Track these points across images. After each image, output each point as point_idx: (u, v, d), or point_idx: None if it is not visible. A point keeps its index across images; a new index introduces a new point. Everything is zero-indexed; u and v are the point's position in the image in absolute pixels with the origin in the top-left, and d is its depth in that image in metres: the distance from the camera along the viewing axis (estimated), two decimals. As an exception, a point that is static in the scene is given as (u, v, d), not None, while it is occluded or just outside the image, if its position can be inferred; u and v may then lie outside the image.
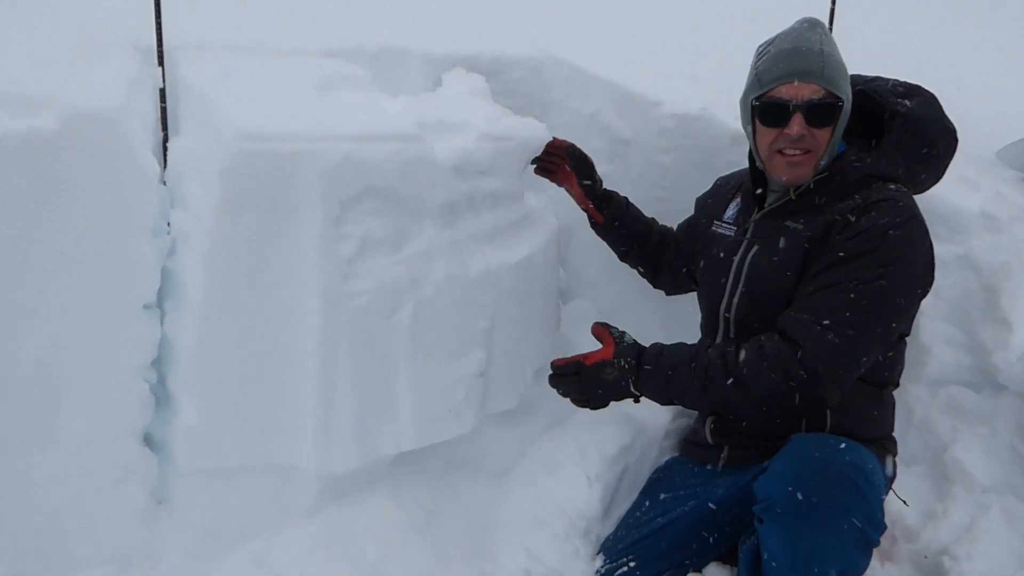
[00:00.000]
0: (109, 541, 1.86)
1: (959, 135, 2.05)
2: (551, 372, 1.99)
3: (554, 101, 2.84)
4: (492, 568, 2.00)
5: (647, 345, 1.97)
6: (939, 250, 1.97)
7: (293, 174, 1.78)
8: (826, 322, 1.80)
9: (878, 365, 1.94)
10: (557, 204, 2.56)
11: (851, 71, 1.98)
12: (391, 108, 2.06)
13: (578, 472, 2.18)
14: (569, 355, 2.02)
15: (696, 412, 2.24)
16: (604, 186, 2.44)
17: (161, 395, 1.92)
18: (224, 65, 2.03)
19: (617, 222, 2.42)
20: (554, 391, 2.03)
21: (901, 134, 2.00)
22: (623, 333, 1.99)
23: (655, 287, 2.54)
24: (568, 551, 2.06)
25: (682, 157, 2.69)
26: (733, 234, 2.14)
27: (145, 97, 1.92)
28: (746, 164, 2.17)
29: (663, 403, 1.98)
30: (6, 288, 1.70)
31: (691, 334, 2.25)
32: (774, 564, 1.78)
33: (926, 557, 2.26)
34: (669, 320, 2.64)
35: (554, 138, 2.31)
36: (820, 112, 1.89)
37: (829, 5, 2.43)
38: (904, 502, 2.17)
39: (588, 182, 2.36)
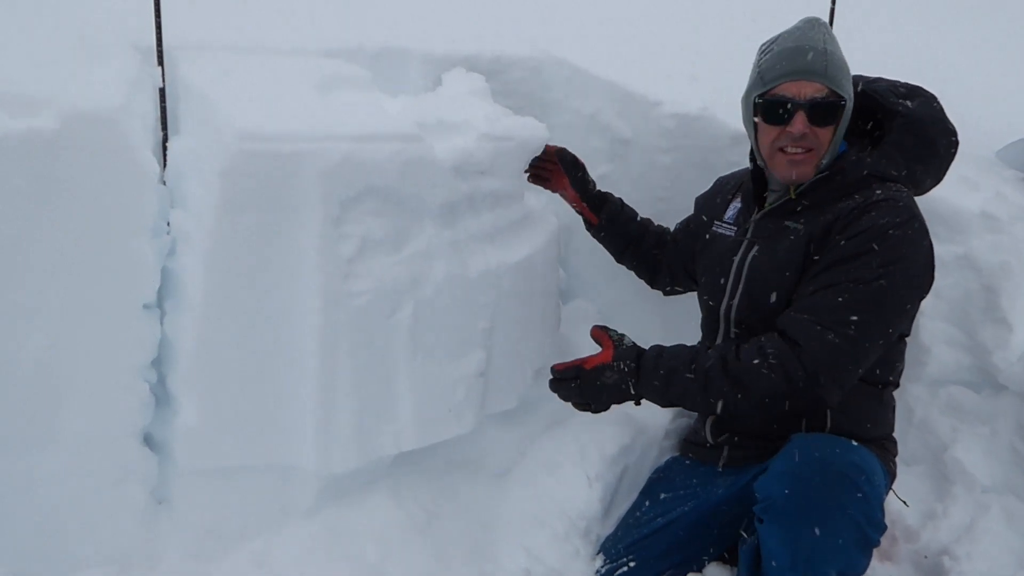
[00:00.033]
0: (109, 541, 1.86)
1: (959, 136, 2.05)
2: (551, 377, 1.98)
3: (554, 101, 2.84)
4: (492, 568, 2.00)
5: (647, 347, 1.97)
6: (939, 250, 1.97)
7: (293, 174, 1.78)
8: (826, 322, 1.80)
9: (878, 365, 1.94)
10: (557, 204, 2.56)
11: (852, 71, 1.98)
12: (391, 108, 2.06)
13: (578, 472, 2.18)
14: (569, 356, 2.02)
15: (696, 412, 2.24)
16: (603, 187, 2.45)
17: (161, 395, 1.92)
18: (224, 65, 2.03)
19: (612, 223, 2.42)
20: (550, 390, 2.03)
21: (902, 135, 2.00)
22: (622, 336, 1.99)
23: (653, 287, 2.53)
24: (568, 551, 2.06)
25: (682, 157, 2.69)
26: (733, 234, 2.14)
27: (145, 97, 1.91)
28: (746, 164, 2.17)
29: (663, 405, 1.98)
30: (6, 288, 1.70)
31: (691, 334, 2.25)
32: (774, 564, 1.78)
33: (926, 557, 2.26)
34: (669, 320, 2.64)
35: (546, 145, 2.31)
36: (823, 111, 1.89)
37: (829, 5, 2.43)
38: (904, 502, 2.17)
39: (582, 184, 2.36)
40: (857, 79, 2.02)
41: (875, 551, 1.83)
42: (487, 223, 2.11)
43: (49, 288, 1.74)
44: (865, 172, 1.95)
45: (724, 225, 2.19)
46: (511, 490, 2.19)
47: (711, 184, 2.40)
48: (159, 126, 1.92)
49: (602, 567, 2.06)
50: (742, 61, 2.10)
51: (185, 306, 1.84)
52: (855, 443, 1.85)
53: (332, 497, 1.99)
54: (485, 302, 2.06)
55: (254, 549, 1.91)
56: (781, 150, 1.94)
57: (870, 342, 1.84)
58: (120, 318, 1.82)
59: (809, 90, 1.88)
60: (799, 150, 1.92)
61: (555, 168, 2.36)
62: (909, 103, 2.02)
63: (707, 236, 2.23)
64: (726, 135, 2.62)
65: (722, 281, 2.10)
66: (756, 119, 1.96)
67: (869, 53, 2.27)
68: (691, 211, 2.41)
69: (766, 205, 2.08)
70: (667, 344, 1.95)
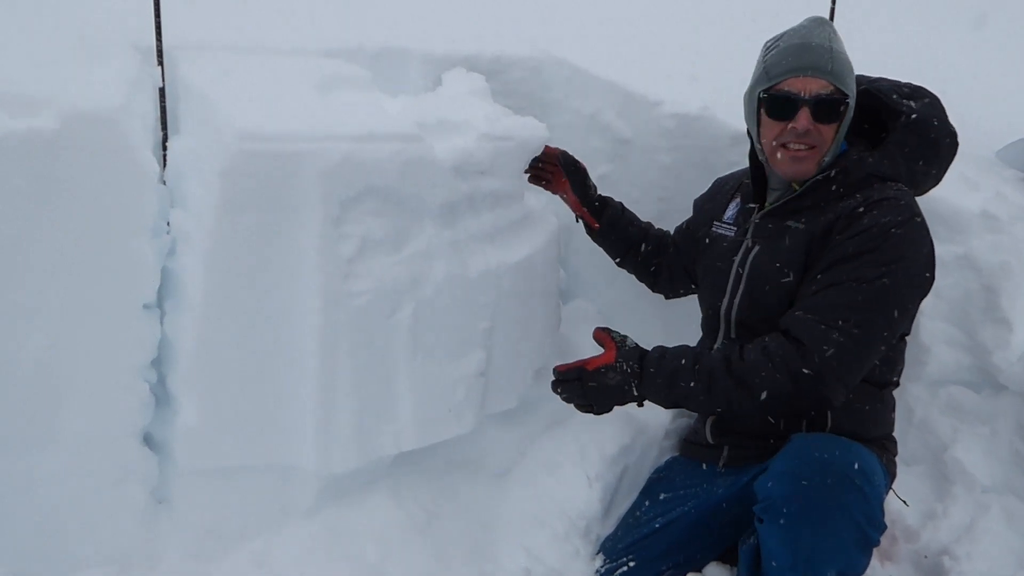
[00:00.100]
0: (109, 541, 1.86)
1: (959, 136, 2.05)
2: (553, 378, 1.98)
3: (554, 101, 2.84)
4: (492, 568, 2.01)
5: (649, 348, 1.96)
6: (939, 250, 1.97)
7: (293, 174, 1.78)
8: (830, 321, 1.80)
9: (878, 365, 1.94)
10: (557, 204, 2.56)
11: (853, 71, 1.98)
12: (391, 108, 2.06)
13: (578, 472, 2.18)
14: (569, 356, 2.02)
15: (699, 413, 2.24)
16: (603, 187, 2.44)
17: (161, 395, 1.92)
18: (224, 65, 2.03)
19: (613, 228, 2.42)
20: (553, 391, 2.03)
21: (905, 135, 2.00)
22: (625, 337, 1.98)
23: (654, 292, 2.53)
24: (568, 551, 2.06)
25: (682, 157, 2.69)
26: (733, 234, 2.14)
27: (145, 97, 1.92)
28: (746, 164, 2.17)
29: (666, 406, 1.98)
30: (6, 288, 1.70)
31: (692, 334, 2.25)
32: (774, 564, 1.78)
33: (926, 557, 2.26)
34: (669, 320, 2.64)
35: (546, 146, 2.31)
36: (827, 107, 1.89)
37: (829, 5, 2.43)
38: (904, 502, 2.17)
39: (583, 188, 2.36)
40: (859, 79, 2.02)
41: (875, 551, 1.83)
42: (487, 223, 2.11)
43: (49, 288, 1.74)
44: (867, 172, 1.95)
45: (724, 225, 2.19)
46: (511, 490, 2.19)
47: (710, 184, 2.40)
48: (159, 126, 1.92)
49: (602, 567, 2.06)
50: (742, 61, 2.10)
51: (185, 306, 1.84)
52: (855, 443, 1.84)
53: (332, 497, 1.99)
54: (485, 302, 2.06)
55: (254, 549, 1.91)
56: (783, 146, 1.94)
57: (874, 341, 1.84)
58: (120, 318, 1.82)
59: (814, 86, 1.89)
60: (802, 147, 1.92)
61: (556, 171, 2.36)
62: (913, 103, 2.02)
63: (707, 237, 2.23)
64: (726, 135, 2.62)
65: (723, 281, 2.10)
66: (760, 114, 1.96)
67: (869, 53, 2.26)
68: (691, 212, 2.41)
69: (766, 205, 2.08)
70: (669, 345, 1.95)
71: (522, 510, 2.13)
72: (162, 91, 1.92)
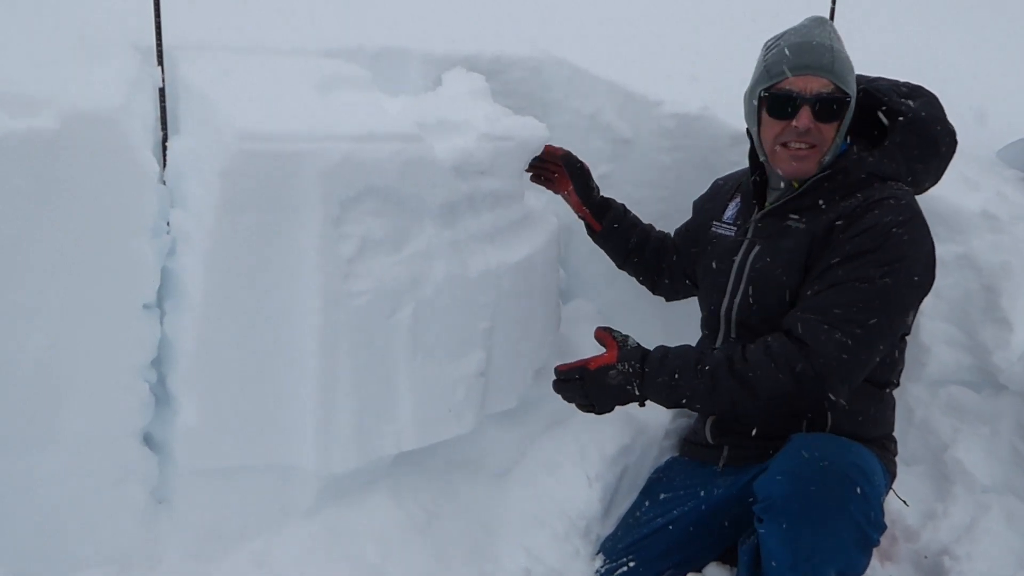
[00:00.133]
0: (109, 541, 1.86)
1: (959, 135, 2.05)
2: (555, 378, 1.98)
3: (554, 101, 2.84)
4: (492, 568, 2.01)
5: (650, 348, 1.96)
6: (939, 250, 1.97)
7: (293, 174, 1.78)
8: (833, 321, 1.80)
9: (878, 365, 1.94)
10: (557, 204, 2.56)
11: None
12: (391, 108, 2.06)
13: (578, 472, 2.18)
14: (569, 356, 2.02)
15: (701, 413, 2.24)
16: (603, 186, 2.44)
17: (161, 395, 1.92)
18: (224, 65, 2.03)
19: (615, 230, 2.41)
20: (554, 391, 2.03)
21: (905, 134, 2.00)
22: (626, 337, 1.97)
23: (654, 294, 2.53)
24: (568, 551, 2.06)
25: (682, 157, 2.69)
26: (733, 234, 2.14)
27: (145, 97, 1.91)
28: (746, 164, 2.17)
29: (668, 406, 1.98)
30: (6, 288, 1.70)
31: (692, 334, 2.25)
32: (774, 564, 1.78)
33: (926, 557, 2.26)
34: (670, 320, 2.64)
35: (549, 145, 2.31)
36: (828, 106, 1.89)
37: (829, 5, 2.43)
38: (904, 502, 2.17)
39: (585, 190, 2.36)
40: (858, 78, 2.02)
41: (875, 551, 1.83)
42: (487, 223, 2.11)
43: (49, 288, 1.74)
44: (867, 171, 1.95)
45: (723, 225, 2.19)
46: (511, 490, 2.19)
47: (710, 185, 2.40)
48: (159, 126, 1.92)
49: (602, 567, 2.06)
50: (742, 61, 2.10)
51: (185, 306, 1.84)
52: (855, 443, 1.85)
53: (332, 497, 1.99)
54: (485, 302, 2.06)
55: (254, 549, 1.91)
56: (784, 145, 1.94)
57: (877, 341, 1.84)
58: (120, 318, 1.82)
59: (815, 85, 1.89)
60: (802, 145, 1.92)
61: (559, 171, 2.36)
62: (912, 103, 2.02)
63: (706, 237, 2.23)
64: (726, 135, 2.62)
65: (723, 281, 2.10)
66: (761, 113, 1.96)
67: (869, 53, 2.26)
68: (691, 212, 2.41)
69: (767, 204, 2.08)
70: (670, 344, 1.95)
71: (522, 510, 2.13)
72: (162, 91, 1.92)
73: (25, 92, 1.72)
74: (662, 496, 2.15)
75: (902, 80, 2.10)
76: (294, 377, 1.87)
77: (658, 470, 2.28)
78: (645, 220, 2.49)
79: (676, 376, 1.86)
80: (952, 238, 2.54)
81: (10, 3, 2.12)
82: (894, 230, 1.84)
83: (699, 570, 2.08)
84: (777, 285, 1.97)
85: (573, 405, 1.98)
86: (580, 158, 2.38)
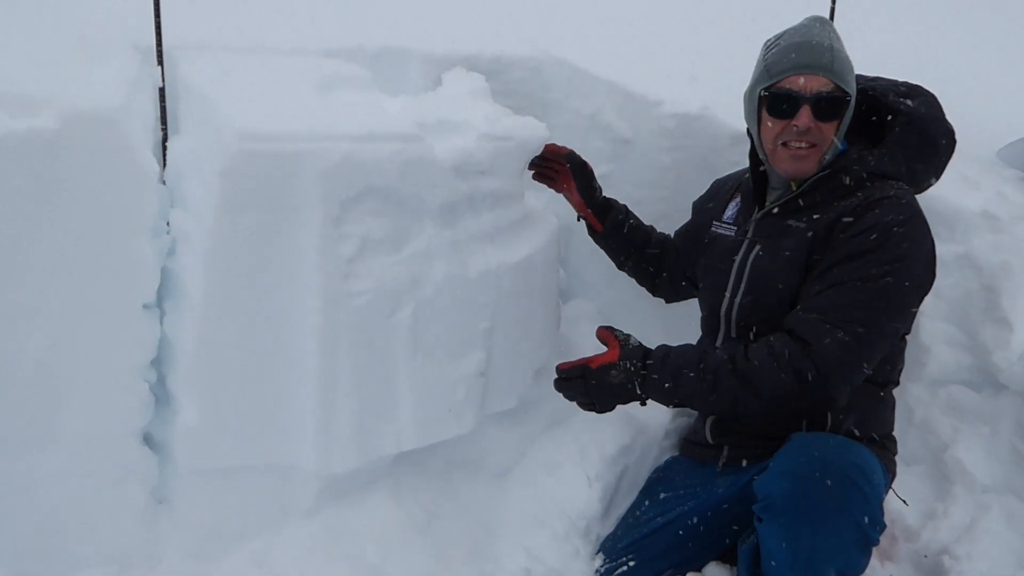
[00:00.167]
0: (109, 541, 1.86)
1: (959, 135, 2.05)
2: (556, 376, 1.98)
3: (554, 101, 2.84)
4: (492, 568, 2.01)
5: (652, 348, 1.96)
6: (940, 250, 1.97)
7: (293, 174, 1.78)
8: (835, 321, 1.80)
9: (879, 364, 1.94)
10: (557, 204, 2.56)
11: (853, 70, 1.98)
12: (391, 108, 2.06)
13: (578, 472, 2.18)
14: (569, 356, 2.01)
15: (697, 411, 2.24)
16: (603, 186, 2.44)
17: (161, 395, 1.92)
18: (224, 65, 2.03)
19: (616, 231, 2.41)
20: (554, 390, 2.02)
21: (904, 133, 2.00)
22: (628, 336, 1.97)
23: (654, 295, 2.52)
24: (568, 551, 2.06)
25: (682, 157, 2.69)
26: (733, 234, 2.14)
27: (145, 97, 1.91)
28: (746, 164, 2.17)
29: (670, 405, 1.97)
30: (6, 288, 1.70)
31: (692, 333, 2.25)
32: (774, 563, 1.78)
33: (926, 557, 2.26)
34: (670, 319, 2.64)
35: (552, 144, 2.31)
36: (828, 105, 1.89)
37: (829, 5, 2.43)
38: (904, 502, 2.17)
39: (588, 190, 2.36)
40: (857, 79, 2.02)
41: (875, 551, 1.84)
42: (487, 223, 2.11)
43: (49, 288, 1.74)
44: (867, 170, 1.95)
45: (723, 225, 2.19)
46: (511, 490, 2.19)
47: (709, 185, 2.40)
48: (159, 126, 1.92)
49: (602, 567, 2.06)
50: (742, 61, 2.10)
51: (185, 306, 1.84)
52: (855, 443, 1.85)
53: (332, 497, 1.99)
54: (485, 302, 2.06)
55: (254, 549, 1.91)
56: (784, 145, 1.94)
57: (879, 340, 1.84)
58: (120, 318, 1.82)
59: (815, 84, 1.89)
60: (803, 145, 1.92)
61: (563, 169, 2.35)
62: (910, 102, 2.02)
63: (706, 238, 2.23)
64: (726, 135, 2.62)
65: (723, 282, 2.10)
66: (761, 113, 1.97)
67: (869, 53, 2.27)
68: (690, 213, 2.41)
69: (767, 204, 2.08)
70: (671, 344, 1.95)
71: (522, 510, 2.13)
72: (162, 91, 1.92)
73: (25, 92, 1.71)
74: (662, 496, 2.15)
75: (901, 80, 2.10)
76: (294, 377, 1.87)
77: (658, 470, 2.28)
78: (645, 220, 2.49)
79: (678, 375, 1.86)
80: (952, 238, 2.54)
81: (10, 3, 2.11)
82: (895, 229, 1.84)
83: (699, 570, 2.08)
84: (777, 285, 1.97)
85: (574, 404, 1.98)
86: (584, 158, 2.37)
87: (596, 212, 2.39)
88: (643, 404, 1.95)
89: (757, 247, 2.04)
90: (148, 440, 1.93)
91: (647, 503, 2.16)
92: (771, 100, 1.94)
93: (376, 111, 2.01)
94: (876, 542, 1.80)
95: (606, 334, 1.98)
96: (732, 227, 2.16)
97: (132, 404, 1.86)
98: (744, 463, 2.05)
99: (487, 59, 2.68)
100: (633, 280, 2.54)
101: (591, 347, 2.02)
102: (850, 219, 1.89)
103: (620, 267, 2.50)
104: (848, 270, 1.84)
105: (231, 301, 1.81)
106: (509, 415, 2.27)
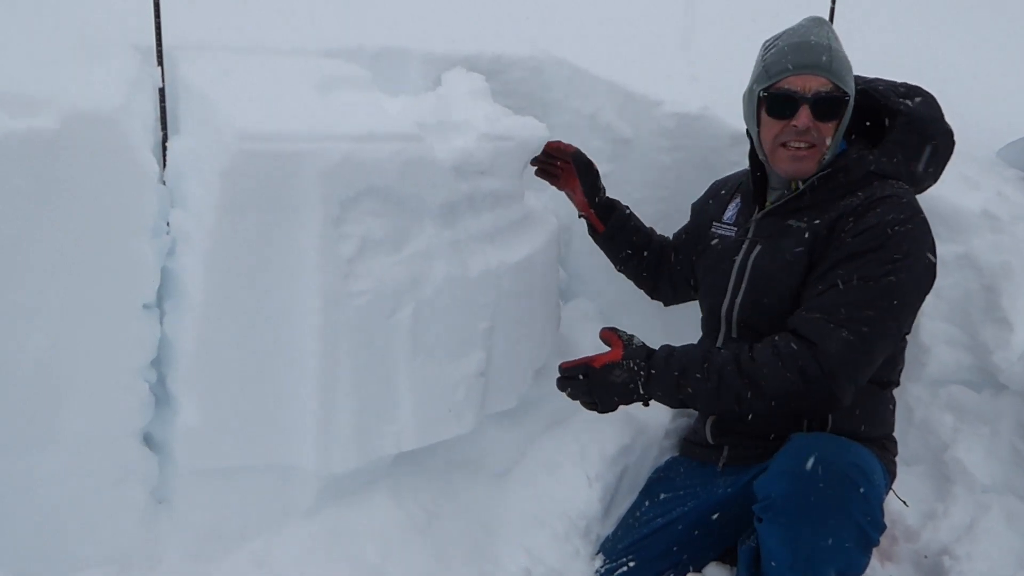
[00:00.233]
0: (109, 541, 1.86)
1: (959, 135, 2.06)
2: (559, 375, 1.98)
3: (554, 101, 2.84)
4: (492, 568, 2.01)
5: (656, 347, 1.96)
6: (940, 250, 1.97)
7: (293, 174, 1.78)
8: (840, 320, 1.80)
9: (880, 364, 1.94)
10: (557, 204, 2.56)
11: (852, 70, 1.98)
12: (391, 108, 2.06)
13: (578, 472, 2.18)
14: (569, 356, 2.01)
15: (697, 411, 2.24)
16: (606, 191, 2.43)
17: (161, 395, 1.92)
18: (224, 65, 2.03)
19: (618, 232, 2.40)
20: (555, 390, 2.02)
21: (904, 133, 2.00)
22: (631, 336, 1.97)
23: (653, 298, 2.52)
24: (568, 551, 2.06)
25: (682, 157, 2.69)
26: (733, 235, 2.14)
27: (145, 97, 1.91)
28: (746, 164, 2.17)
29: (673, 405, 1.97)
30: (6, 288, 1.70)
31: (692, 333, 2.24)
32: (773, 563, 1.78)
33: (926, 557, 2.26)
34: (670, 320, 2.64)
35: (559, 141, 2.30)
36: (827, 105, 1.90)
37: (829, 5, 2.43)
38: (904, 502, 2.17)
39: (592, 190, 2.35)
40: (856, 79, 2.02)
41: (875, 551, 1.84)
42: (487, 223, 2.11)
43: (49, 288, 1.74)
44: (867, 170, 1.95)
45: (723, 226, 2.19)
46: (511, 490, 2.19)
47: (708, 186, 2.39)
48: (159, 126, 1.92)
49: (602, 567, 2.06)
50: (742, 61, 2.10)
51: (185, 306, 1.84)
52: (855, 443, 1.85)
53: (332, 497, 1.99)
54: (485, 302, 2.06)
55: (254, 549, 1.91)
56: (783, 145, 1.94)
57: (883, 339, 1.84)
58: (120, 318, 1.82)
59: (814, 84, 1.89)
60: (802, 144, 1.92)
61: (567, 167, 2.35)
62: (910, 102, 2.02)
63: (706, 238, 2.23)
64: (726, 135, 2.62)
65: (723, 281, 2.10)
66: (760, 113, 1.97)
67: (869, 53, 2.27)
68: (689, 215, 2.41)
69: (767, 204, 2.08)
70: (673, 344, 1.95)
71: (522, 510, 2.13)
72: (162, 91, 1.92)
73: (25, 92, 1.71)
74: (662, 496, 2.15)
75: (899, 80, 2.10)
76: (294, 377, 1.87)
77: (658, 470, 2.28)
78: (645, 221, 2.49)
79: (682, 375, 1.86)
80: (952, 238, 2.54)
81: (10, 3, 2.12)
82: (896, 228, 1.84)
83: (699, 570, 2.09)
84: (778, 285, 1.97)
85: (575, 404, 1.98)
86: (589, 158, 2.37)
87: (599, 212, 2.39)
88: (646, 404, 1.94)
89: (758, 247, 2.04)
90: (148, 440, 1.93)
91: (647, 503, 2.16)
92: (770, 100, 1.94)
93: (376, 111, 2.01)
94: (876, 542, 1.80)
95: (609, 334, 1.98)
96: (732, 228, 2.16)
97: (132, 404, 1.86)
98: (744, 463, 2.04)
99: (487, 59, 2.68)
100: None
101: (591, 347, 2.02)
102: (851, 218, 1.89)
103: (619, 268, 2.49)
104: (851, 269, 1.84)
105: (231, 301, 1.81)
106: (509, 415, 2.27)
